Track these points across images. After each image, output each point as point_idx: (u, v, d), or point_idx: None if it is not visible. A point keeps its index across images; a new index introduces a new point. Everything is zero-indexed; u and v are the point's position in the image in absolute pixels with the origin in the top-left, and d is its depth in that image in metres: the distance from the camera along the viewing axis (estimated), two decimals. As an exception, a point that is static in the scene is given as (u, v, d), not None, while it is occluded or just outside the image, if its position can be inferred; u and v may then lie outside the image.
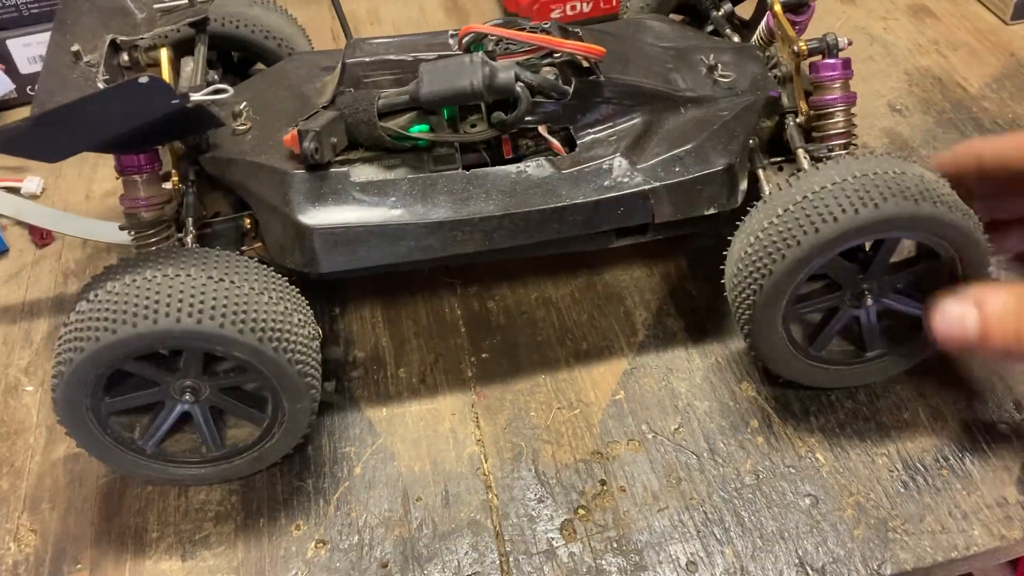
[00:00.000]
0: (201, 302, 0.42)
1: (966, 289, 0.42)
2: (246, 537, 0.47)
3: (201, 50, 0.53)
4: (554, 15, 0.78)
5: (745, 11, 0.63)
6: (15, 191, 0.66)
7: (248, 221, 0.52)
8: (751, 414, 0.51)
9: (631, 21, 0.60)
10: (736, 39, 0.60)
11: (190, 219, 0.50)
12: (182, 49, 0.54)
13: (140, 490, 0.50)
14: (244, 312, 0.43)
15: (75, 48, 0.47)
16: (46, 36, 0.73)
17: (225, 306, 0.43)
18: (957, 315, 0.41)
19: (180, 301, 0.42)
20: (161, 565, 0.46)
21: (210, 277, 0.43)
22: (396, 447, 0.51)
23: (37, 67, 0.75)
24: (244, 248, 0.52)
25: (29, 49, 0.74)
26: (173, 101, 0.41)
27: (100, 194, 0.67)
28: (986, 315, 0.40)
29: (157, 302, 0.42)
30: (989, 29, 0.76)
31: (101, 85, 0.47)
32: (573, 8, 0.79)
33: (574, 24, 0.54)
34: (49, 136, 0.42)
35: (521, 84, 0.47)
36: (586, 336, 0.55)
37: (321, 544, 0.47)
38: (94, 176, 0.69)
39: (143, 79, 0.40)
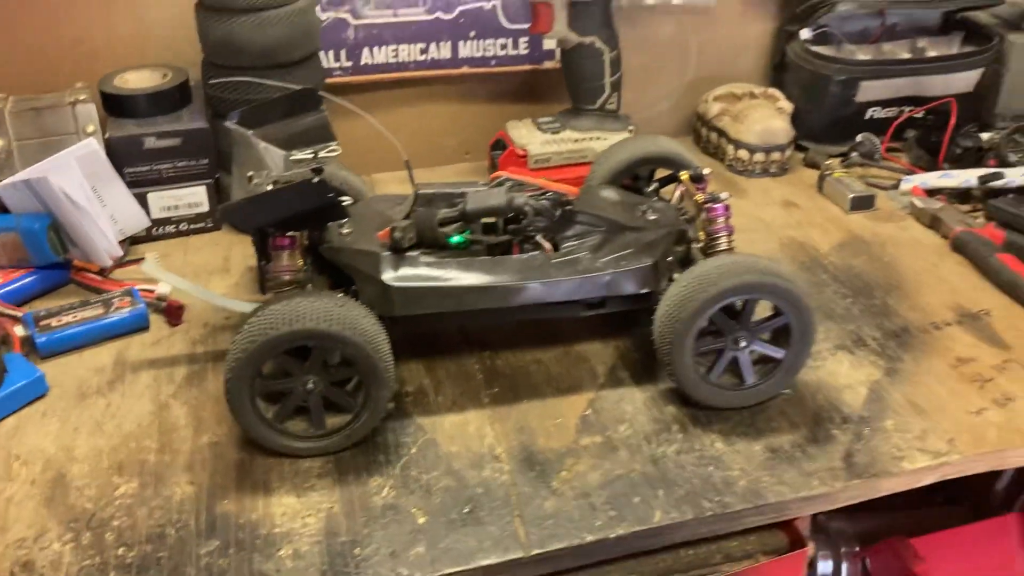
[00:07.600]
0: (331, 315, 0.69)
1: None
2: (341, 486, 0.71)
3: (320, 186, 0.83)
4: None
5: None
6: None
7: (339, 294, 0.79)
8: (674, 422, 0.77)
9: (592, 187, 0.92)
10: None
11: (309, 285, 0.78)
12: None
13: (263, 459, 0.73)
14: (356, 324, 0.70)
15: (249, 174, 0.77)
16: (175, 192, 1.03)
17: (346, 319, 0.69)
18: None
19: (319, 313, 0.69)
20: (283, 500, 0.69)
21: (336, 303, 0.70)
22: (439, 439, 0.75)
23: (165, 213, 1.03)
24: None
25: (161, 201, 1.03)
26: (329, 195, 0.70)
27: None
28: None
29: (306, 312, 0.68)
30: (834, 216, 1.10)
31: (266, 197, 0.76)
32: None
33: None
34: (250, 213, 0.70)
35: (529, 206, 0.78)
36: (564, 380, 0.82)
37: (392, 489, 0.70)
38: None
39: (315, 179, 0.70)
